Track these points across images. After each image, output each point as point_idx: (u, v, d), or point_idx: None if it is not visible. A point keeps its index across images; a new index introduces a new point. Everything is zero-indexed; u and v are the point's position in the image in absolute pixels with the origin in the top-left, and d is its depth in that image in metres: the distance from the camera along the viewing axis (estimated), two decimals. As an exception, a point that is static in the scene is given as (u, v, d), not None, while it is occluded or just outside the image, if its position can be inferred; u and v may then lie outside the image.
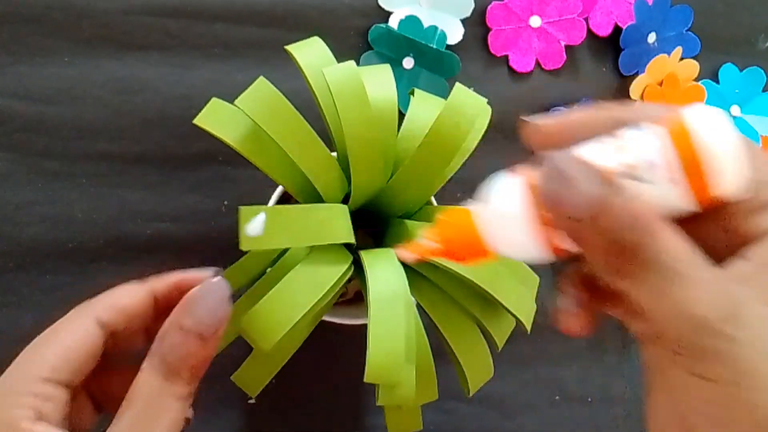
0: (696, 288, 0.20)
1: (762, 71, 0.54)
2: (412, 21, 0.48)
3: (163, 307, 0.30)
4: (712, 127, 0.21)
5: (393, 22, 0.48)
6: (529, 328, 0.36)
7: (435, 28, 0.48)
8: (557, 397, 0.50)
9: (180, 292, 0.29)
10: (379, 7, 0.48)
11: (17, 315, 0.43)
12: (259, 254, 0.36)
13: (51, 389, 0.27)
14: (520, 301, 0.35)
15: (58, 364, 0.28)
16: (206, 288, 0.28)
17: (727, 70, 0.54)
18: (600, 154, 0.22)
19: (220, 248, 0.45)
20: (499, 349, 0.36)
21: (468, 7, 0.49)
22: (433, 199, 0.39)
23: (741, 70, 0.54)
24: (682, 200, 0.22)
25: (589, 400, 0.51)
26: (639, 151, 0.22)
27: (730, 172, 0.21)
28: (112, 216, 0.44)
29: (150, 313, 0.30)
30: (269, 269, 0.34)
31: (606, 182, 0.20)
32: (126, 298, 0.30)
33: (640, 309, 0.21)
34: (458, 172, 0.37)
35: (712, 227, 0.22)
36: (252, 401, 0.46)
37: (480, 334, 0.36)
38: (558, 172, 0.20)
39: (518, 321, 0.35)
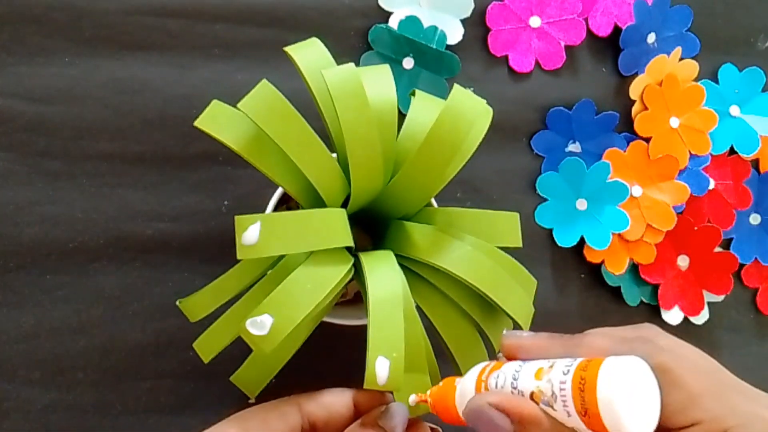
0: None
1: (761, 71, 0.54)
2: (412, 21, 0.48)
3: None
4: (617, 381, 0.24)
5: (393, 23, 0.48)
6: (526, 330, 0.36)
7: (435, 28, 0.48)
8: (556, 397, 0.50)
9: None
10: (379, 7, 0.48)
11: (17, 315, 0.43)
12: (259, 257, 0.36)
13: None
14: (519, 304, 0.35)
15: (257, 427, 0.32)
16: (401, 405, 0.33)
17: (727, 70, 0.54)
18: (526, 378, 0.27)
19: (220, 248, 0.45)
20: (498, 351, 0.37)
21: (468, 7, 0.49)
22: (433, 200, 0.39)
23: (740, 71, 0.54)
24: (583, 429, 0.25)
25: (588, 399, 0.51)
26: (552, 381, 0.26)
27: (621, 426, 0.24)
28: (112, 216, 0.44)
29: (350, 417, 0.34)
30: (269, 271, 0.34)
31: (517, 422, 0.26)
32: (330, 396, 0.34)
33: None
34: (459, 172, 0.37)
35: None
36: (252, 402, 0.46)
37: (478, 336, 0.36)
38: (477, 414, 0.27)
39: (516, 324, 0.35)
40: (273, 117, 0.32)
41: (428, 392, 0.32)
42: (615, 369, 0.24)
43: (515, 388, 0.27)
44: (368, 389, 0.32)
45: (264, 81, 0.33)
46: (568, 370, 0.25)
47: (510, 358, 0.30)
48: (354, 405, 0.34)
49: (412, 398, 0.33)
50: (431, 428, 0.35)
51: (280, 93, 0.33)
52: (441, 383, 0.32)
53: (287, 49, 0.35)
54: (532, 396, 0.27)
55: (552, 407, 0.26)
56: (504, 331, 0.31)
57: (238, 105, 0.33)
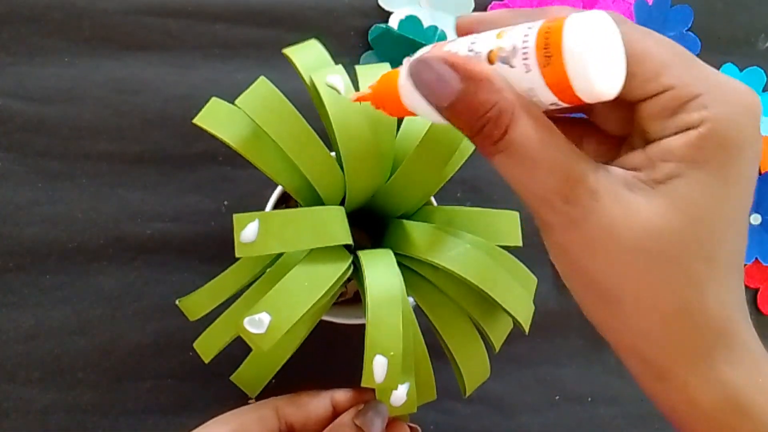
0: (537, 168, 0.23)
1: (762, 71, 0.54)
2: (412, 21, 0.48)
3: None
4: (583, 30, 0.22)
5: (393, 22, 0.48)
6: (527, 329, 0.36)
7: (435, 28, 0.48)
8: (557, 397, 0.50)
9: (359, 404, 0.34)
10: (379, 7, 0.48)
11: (17, 315, 0.43)
12: (258, 255, 0.36)
13: None
14: (519, 303, 0.35)
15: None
16: (380, 404, 0.33)
17: (727, 70, 0.54)
18: (484, 40, 0.24)
19: (220, 248, 0.45)
20: (497, 350, 0.36)
21: (468, 7, 0.49)
22: (432, 199, 0.39)
23: (741, 70, 0.54)
24: (540, 88, 0.23)
25: (589, 400, 0.51)
26: (511, 38, 0.23)
27: (587, 75, 0.22)
28: (112, 216, 0.44)
29: (328, 418, 0.34)
30: (268, 270, 0.34)
31: (466, 79, 0.23)
32: (308, 398, 0.34)
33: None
34: (458, 171, 0.37)
35: (636, 130, 0.25)
36: (252, 401, 0.46)
37: (477, 335, 0.36)
38: (423, 66, 0.24)
39: (516, 322, 0.35)
40: (270, 113, 0.32)
41: (368, 86, 0.29)
42: (582, 18, 0.23)
43: (471, 51, 0.25)
44: (347, 389, 0.32)
45: (262, 78, 0.33)
46: (533, 26, 0.23)
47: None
48: (333, 406, 0.34)
49: (352, 96, 0.30)
50: (411, 428, 0.35)
51: (277, 90, 0.33)
52: (380, 78, 0.29)
53: (286, 50, 0.35)
54: (489, 56, 0.24)
55: (510, 64, 0.23)
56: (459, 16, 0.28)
57: (236, 102, 0.33)
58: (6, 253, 0.43)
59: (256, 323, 0.30)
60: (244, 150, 0.33)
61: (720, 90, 0.23)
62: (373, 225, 0.39)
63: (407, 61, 0.26)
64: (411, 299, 0.36)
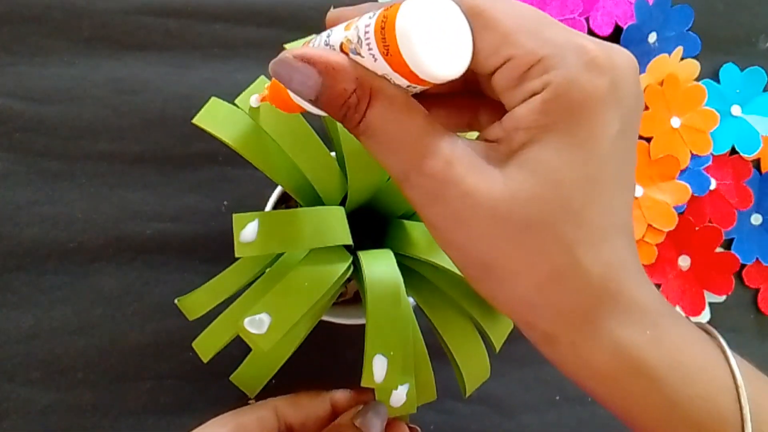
0: (393, 146, 0.24)
1: (763, 71, 0.54)
2: (412, 21, 0.48)
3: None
4: (414, 13, 0.22)
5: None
6: (527, 329, 0.36)
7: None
8: (557, 397, 0.50)
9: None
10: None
11: (17, 315, 0.43)
12: (258, 255, 0.36)
13: None
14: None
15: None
16: (380, 405, 0.34)
17: (728, 70, 0.54)
18: (336, 33, 0.25)
19: (220, 248, 0.45)
20: (497, 350, 0.36)
21: (468, 7, 0.49)
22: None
23: (742, 70, 0.54)
24: (391, 74, 0.24)
25: (589, 400, 0.51)
26: (356, 29, 0.24)
27: (423, 59, 0.22)
28: (112, 216, 0.44)
29: (327, 418, 0.34)
30: (268, 269, 0.34)
31: (323, 72, 0.24)
32: (306, 399, 0.34)
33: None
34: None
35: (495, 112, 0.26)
36: (251, 401, 0.46)
37: (478, 335, 0.36)
38: (282, 65, 0.25)
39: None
40: (269, 113, 0.32)
41: (265, 87, 0.30)
42: (415, 4, 0.23)
43: (327, 44, 0.25)
44: (346, 390, 0.32)
45: (261, 77, 0.33)
46: (374, 14, 0.24)
47: None
48: (332, 406, 0.34)
49: (253, 99, 0.31)
50: (410, 428, 0.35)
51: None
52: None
53: (287, 46, 0.35)
54: (341, 48, 0.25)
55: (360, 54, 0.24)
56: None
57: (236, 101, 0.33)
58: (6, 253, 0.43)
59: (257, 323, 0.30)
60: (244, 150, 0.33)
61: (564, 51, 0.23)
62: (373, 225, 0.39)
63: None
64: (411, 299, 0.36)
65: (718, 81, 0.54)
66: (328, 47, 0.25)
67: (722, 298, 0.52)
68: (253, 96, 0.31)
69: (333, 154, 0.36)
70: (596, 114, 0.23)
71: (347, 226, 0.34)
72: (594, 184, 0.24)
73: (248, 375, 0.35)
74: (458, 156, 0.24)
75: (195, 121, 0.33)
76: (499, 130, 0.24)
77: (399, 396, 0.33)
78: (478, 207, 0.23)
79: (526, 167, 0.23)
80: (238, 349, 0.35)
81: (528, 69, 0.23)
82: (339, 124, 0.33)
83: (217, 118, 0.33)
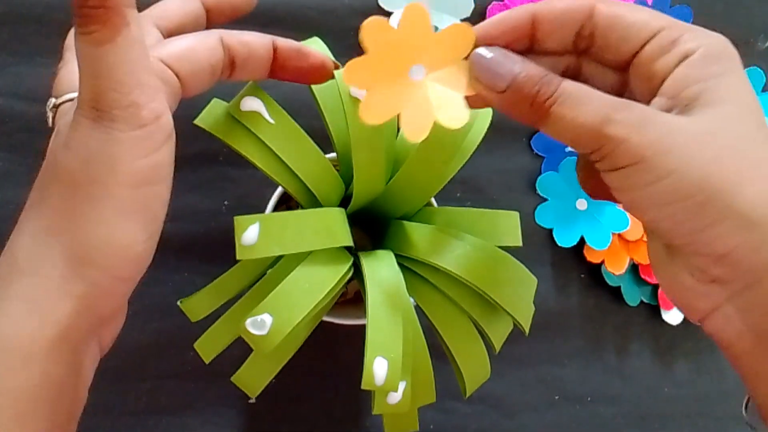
0: (594, 98, 0.26)
1: (761, 71, 0.54)
2: (412, 21, 0.48)
3: (280, 62, 0.33)
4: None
5: (393, 22, 0.48)
6: (527, 330, 0.36)
7: (435, 28, 0.48)
8: (557, 397, 0.50)
9: (301, 55, 0.33)
10: (379, 7, 0.48)
11: (17, 315, 0.43)
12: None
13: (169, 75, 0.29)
14: (519, 303, 0.35)
15: (180, 54, 0.30)
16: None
17: (727, 70, 0.54)
18: None
19: (220, 248, 0.45)
20: (497, 351, 0.36)
21: (468, 7, 0.49)
22: (433, 200, 0.39)
23: (741, 70, 0.54)
24: None
25: (589, 400, 0.51)
26: None
27: None
28: (112, 216, 0.44)
29: (268, 60, 0.32)
30: (269, 271, 0.34)
31: (521, 61, 0.27)
32: (250, 36, 0.32)
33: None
34: (458, 171, 0.37)
35: (640, 85, 0.28)
36: (252, 401, 0.46)
37: (478, 336, 0.36)
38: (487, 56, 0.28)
39: (516, 323, 0.35)
40: (259, 118, 0.33)
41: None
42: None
43: None
44: (290, 40, 0.33)
45: (251, 83, 0.33)
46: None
47: None
48: (273, 49, 0.33)
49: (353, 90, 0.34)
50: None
51: (266, 94, 0.33)
52: None
53: None
54: None
55: None
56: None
57: (227, 107, 0.33)
58: (6, 253, 0.43)
59: (258, 325, 0.30)
60: (245, 150, 0.33)
61: (696, 30, 0.27)
62: (373, 226, 0.39)
63: None
64: (411, 300, 0.36)
65: (717, 81, 0.54)
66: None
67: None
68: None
69: (333, 155, 0.36)
70: (740, 66, 0.27)
71: (348, 227, 0.34)
72: (761, 115, 0.27)
73: (249, 376, 0.35)
74: (650, 106, 0.26)
75: (196, 122, 0.33)
76: (662, 102, 0.26)
77: (395, 393, 0.33)
78: (685, 132, 0.25)
79: (717, 101, 0.26)
80: (239, 349, 0.35)
81: (677, 38, 0.26)
82: (339, 126, 0.33)
83: (219, 119, 0.33)
